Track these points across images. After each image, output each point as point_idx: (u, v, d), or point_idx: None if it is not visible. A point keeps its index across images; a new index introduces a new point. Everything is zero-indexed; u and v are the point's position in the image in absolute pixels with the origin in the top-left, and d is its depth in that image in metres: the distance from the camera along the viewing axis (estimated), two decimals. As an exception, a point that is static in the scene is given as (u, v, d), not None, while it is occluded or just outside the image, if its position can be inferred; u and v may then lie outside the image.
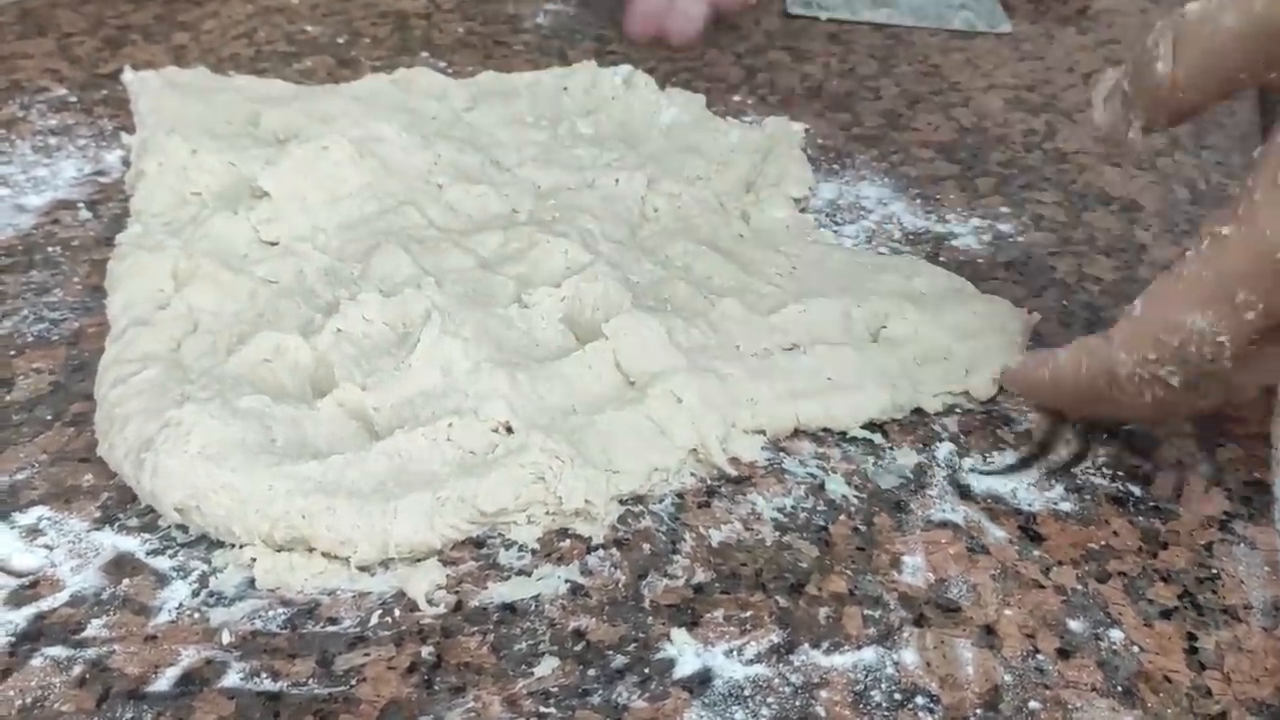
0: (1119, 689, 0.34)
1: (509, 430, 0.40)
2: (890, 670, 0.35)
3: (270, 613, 0.36)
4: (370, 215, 0.50)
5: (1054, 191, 0.61)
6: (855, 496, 0.41)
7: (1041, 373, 0.42)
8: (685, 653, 0.35)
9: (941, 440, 0.44)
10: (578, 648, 0.35)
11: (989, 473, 0.42)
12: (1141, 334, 0.37)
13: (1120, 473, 0.43)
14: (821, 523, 0.40)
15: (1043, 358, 0.43)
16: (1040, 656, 0.35)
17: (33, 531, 0.39)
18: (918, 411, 0.45)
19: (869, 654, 0.35)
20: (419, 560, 0.38)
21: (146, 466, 0.38)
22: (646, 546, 0.39)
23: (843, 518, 0.40)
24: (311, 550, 0.37)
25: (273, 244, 0.49)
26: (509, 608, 0.36)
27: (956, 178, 0.62)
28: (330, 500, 0.37)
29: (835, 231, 0.57)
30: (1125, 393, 0.39)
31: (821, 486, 0.42)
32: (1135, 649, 0.36)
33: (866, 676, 0.34)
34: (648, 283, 0.49)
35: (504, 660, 0.35)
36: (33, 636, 0.35)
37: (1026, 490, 0.42)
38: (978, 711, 0.33)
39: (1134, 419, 0.44)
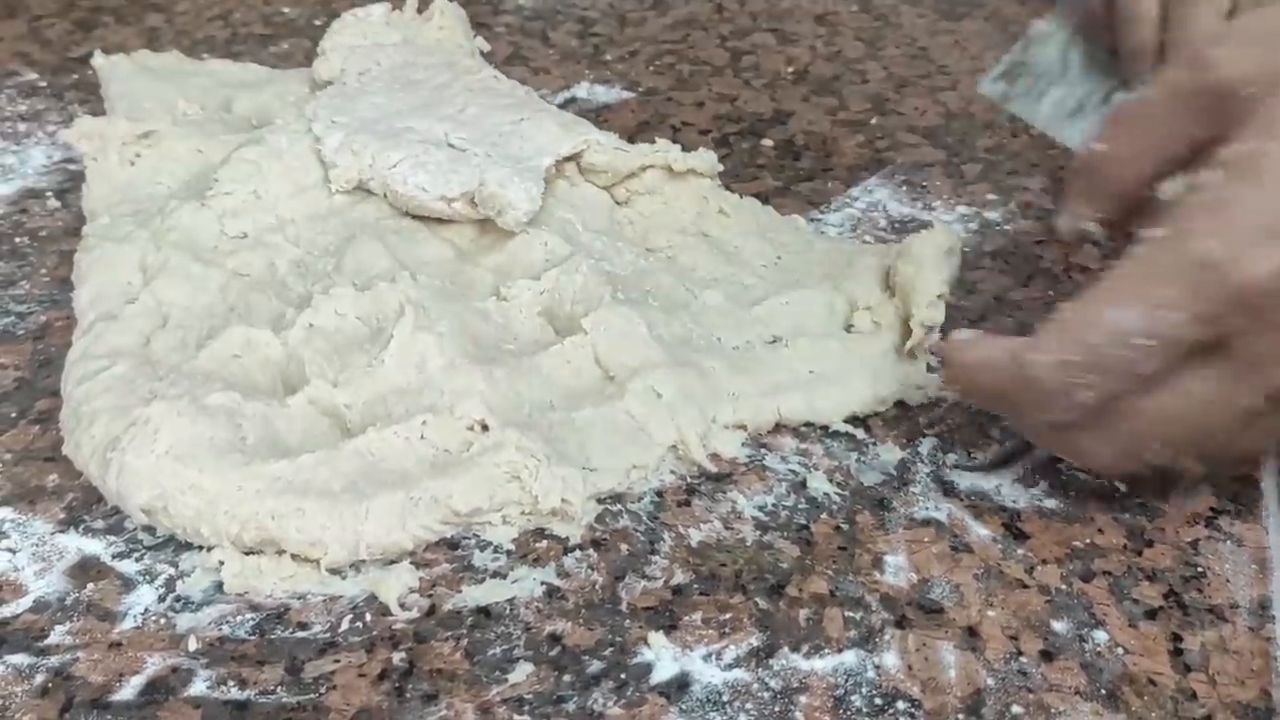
0: (1103, 692, 0.34)
1: (484, 428, 0.39)
2: (871, 674, 0.34)
3: (238, 618, 0.35)
4: (340, 205, 0.49)
5: (1042, 178, 0.60)
6: (837, 494, 0.41)
7: (975, 355, 0.37)
8: (663, 657, 0.34)
9: (925, 435, 0.43)
10: (553, 653, 0.34)
11: (973, 468, 0.42)
12: (1063, 332, 0.35)
13: (1106, 468, 0.42)
14: (803, 521, 0.39)
15: (986, 342, 0.37)
16: (1023, 659, 0.35)
17: (-4, 534, 0.38)
18: (901, 405, 0.44)
19: (850, 657, 0.35)
20: (391, 562, 0.37)
21: (113, 466, 0.37)
22: (624, 547, 0.38)
23: (824, 516, 0.40)
24: (281, 552, 0.37)
25: (242, 236, 0.47)
26: (483, 611, 0.36)
27: (943, 164, 0.61)
28: (300, 500, 0.37)
29: (820, 219, 0.56)
30: (1043, 404, 0.35)
31: (803, 484, 0.41)
32: (1119, 651, 0.35)
33: (847, 681, 0.34)
34: (630, 274, 0.48)
35: (477, 666, 0.34)
36: (-6, 644, 0.34)
37: (1011, 486, 0.41)
38: (959, 716, 0.33)
39: (1082, 455, 0.38)
